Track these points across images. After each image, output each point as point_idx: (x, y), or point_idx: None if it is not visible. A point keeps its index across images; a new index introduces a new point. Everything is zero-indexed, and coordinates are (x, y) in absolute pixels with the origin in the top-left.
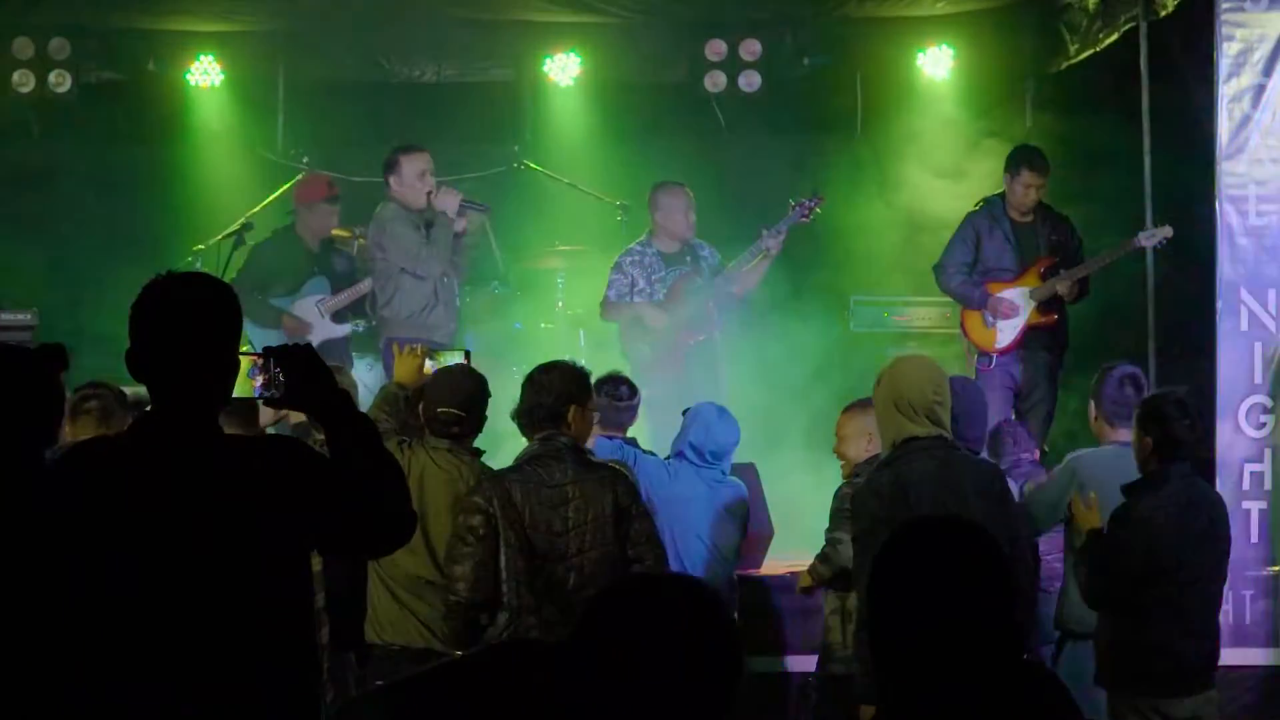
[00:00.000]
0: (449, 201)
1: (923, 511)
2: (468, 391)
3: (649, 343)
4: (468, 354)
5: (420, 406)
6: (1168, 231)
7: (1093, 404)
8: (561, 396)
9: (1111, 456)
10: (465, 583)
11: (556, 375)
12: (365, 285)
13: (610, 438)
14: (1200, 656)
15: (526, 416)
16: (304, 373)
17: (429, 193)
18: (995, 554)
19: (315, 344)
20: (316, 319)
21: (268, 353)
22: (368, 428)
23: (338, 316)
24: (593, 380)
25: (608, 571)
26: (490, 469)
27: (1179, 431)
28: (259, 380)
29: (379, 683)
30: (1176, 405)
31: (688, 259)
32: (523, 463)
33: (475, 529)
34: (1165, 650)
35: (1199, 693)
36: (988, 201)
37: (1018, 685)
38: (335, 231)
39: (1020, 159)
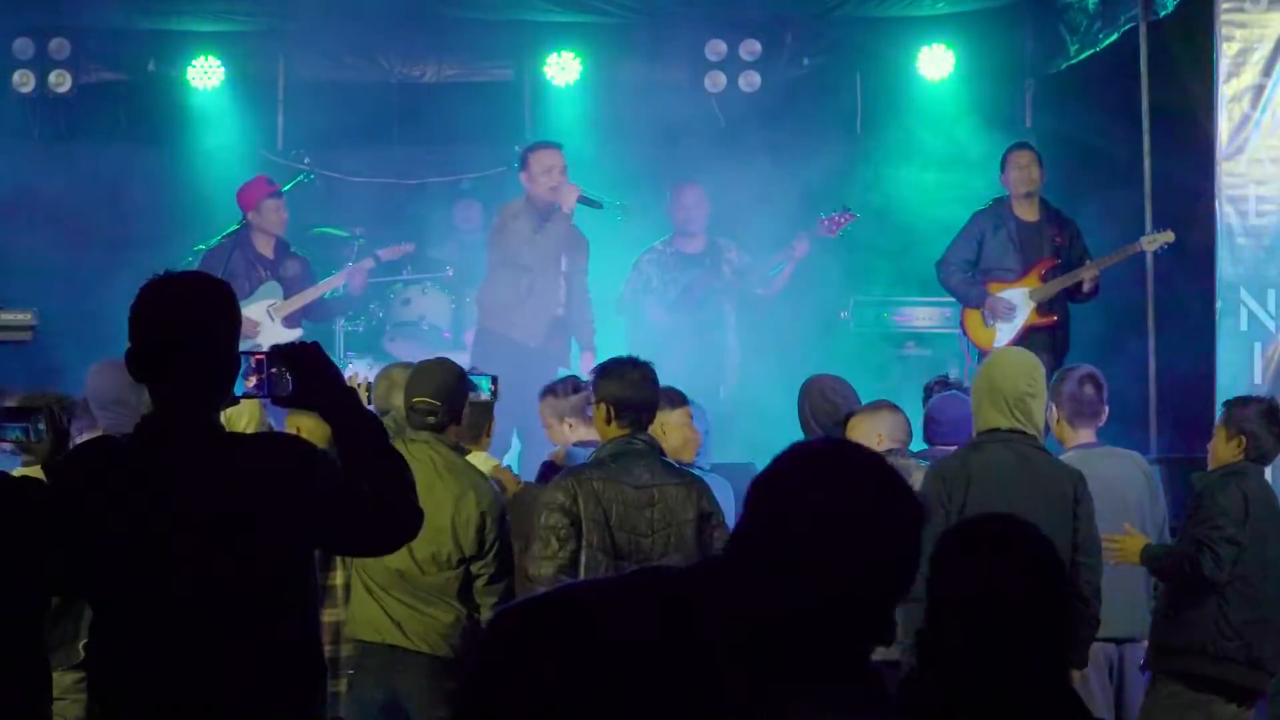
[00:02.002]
0: (567, 197)
1: (983, 499)
2: (443, 382)
3: (650, 343)
4: (494, 380)
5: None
6: (1170, 236)
7: (1053, 406)
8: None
9: (1077, 463)
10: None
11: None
12: (316, 290)
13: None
14: (1270, 656)
15: (618, 409)
16: (311, 370)
17: (553, 188)
18: (1051, 564)
19: (264, 347)
20: (267, 322)
21: (274, 351)
22: (375, 425)
23: (289, 321)
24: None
25: None
26: (466, 462)
27: (1266, 439)
28: (252, 381)
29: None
30: (1268, 414)
31: (708, 261)
32: (605, 459)
33: (557, 529)
34: (1240, 636)
35: (1250, 699)
36: (996, 201)
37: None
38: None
39: (1008, 150)
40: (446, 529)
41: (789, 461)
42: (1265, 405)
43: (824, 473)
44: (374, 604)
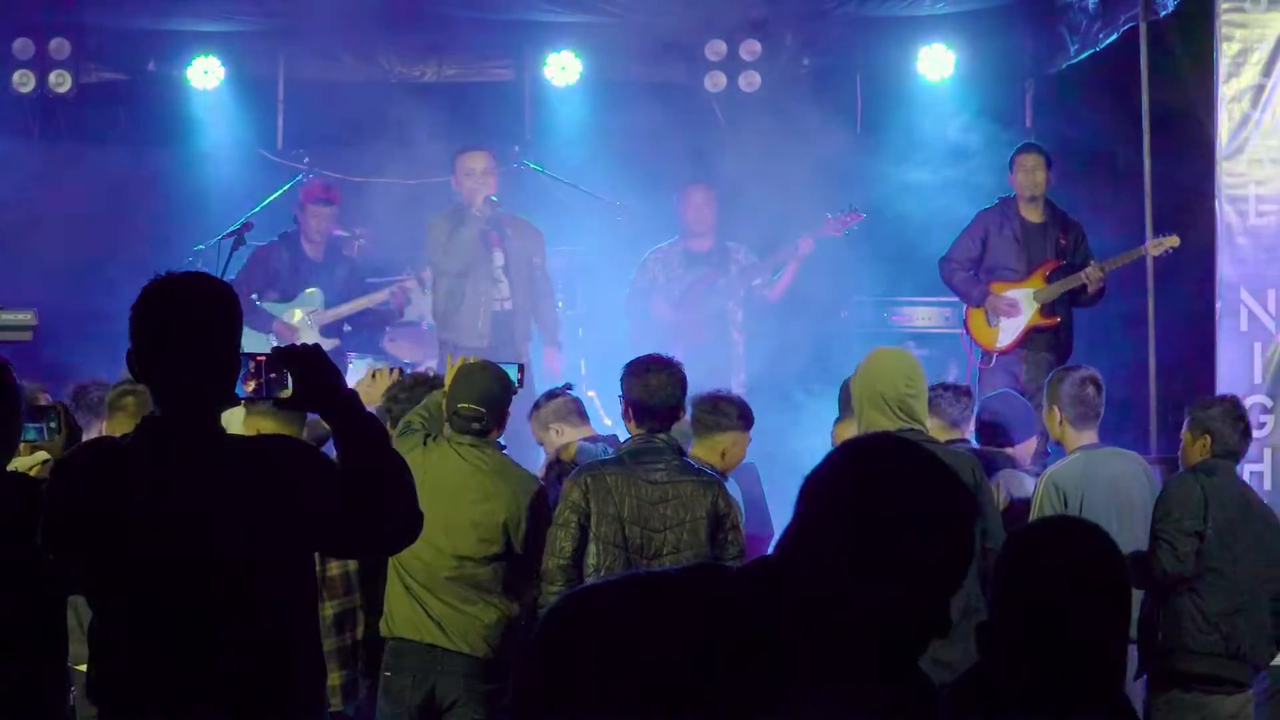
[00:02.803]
0: (477, 198)
1: None
2: (488, 389)
3: (654, 339)
4: (522, 368)
5: (444, 403)
6: (1174, 241)
7: (1056, 409)
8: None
9: (1083, 464)
10: (556, 586)
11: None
12: (356, 304)
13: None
14: (1250, 646)
15: (636, 411)
16: (311, 372)
17: (471, 189)
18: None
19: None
20: (306, 329)
21: (276, 353)
22: (375, 428)
23: (327, 330)
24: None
25: None
26: (511, 460)
27: (1231, 436)
28: (252, 384)
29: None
30: (1229, 411)
31: (715, 260)
32: (623, 455)
33: (568, 525)
34: (1217, 630)
35: (1242, 690)
36: (1002, 200)
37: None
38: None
39: (1015, 152)
40: (498, 528)
41: (847, 460)
42: (1228, 403)
43: (884, 471)
44: (413, 602)
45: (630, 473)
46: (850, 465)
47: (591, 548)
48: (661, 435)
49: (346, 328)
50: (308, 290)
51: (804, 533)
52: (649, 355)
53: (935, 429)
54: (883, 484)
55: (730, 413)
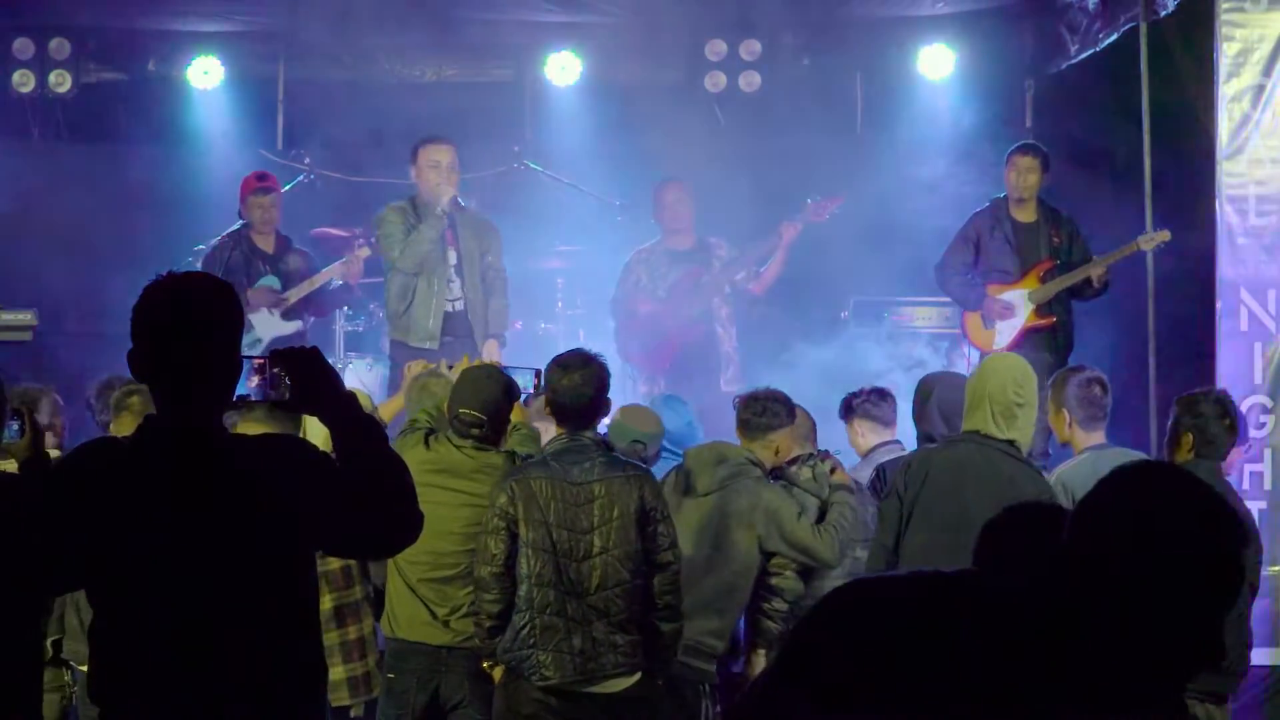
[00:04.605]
0: (444, 195)
1: (935, 494)
2: (490, 395)
3: (640, 339)
4: (538, 373)
5: (446, 405)
6: (1166, 236)
7: (1064, 411)
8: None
9: (1091, 464)
10: (491, 594)
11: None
12: (312, 283)
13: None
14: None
15: (554, 410)
16: (310, 374)
17: (436, 184)
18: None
19: (264, 341)
20: (265, 316)
21: (273, 355)
22: (374, 429)
23: (288, 314)
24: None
25: (631, 571)
26: (519, 457)
27: (1215, 430)
28: (254, 381)
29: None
30: (1216, 404)
31: (698, 256)
32: (548, 457)
33: (497, 531)
34: None
35: (1221, 700)
36: (993, 202)
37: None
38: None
39: (1011, 150)
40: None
41: (1125, 488)
42: (1215, 399)
43: (1170, 499)
44: (416, 601)
45: (554, 475)
46: (1134, 486)
47: (522, 553)
48: (587, 433)
49: (358, 324)
50: (263, 278)
51: (1085, 558)
52: (568, 352)
53: (868, 430)
54: (1163, 505)
55: (779, 411)
